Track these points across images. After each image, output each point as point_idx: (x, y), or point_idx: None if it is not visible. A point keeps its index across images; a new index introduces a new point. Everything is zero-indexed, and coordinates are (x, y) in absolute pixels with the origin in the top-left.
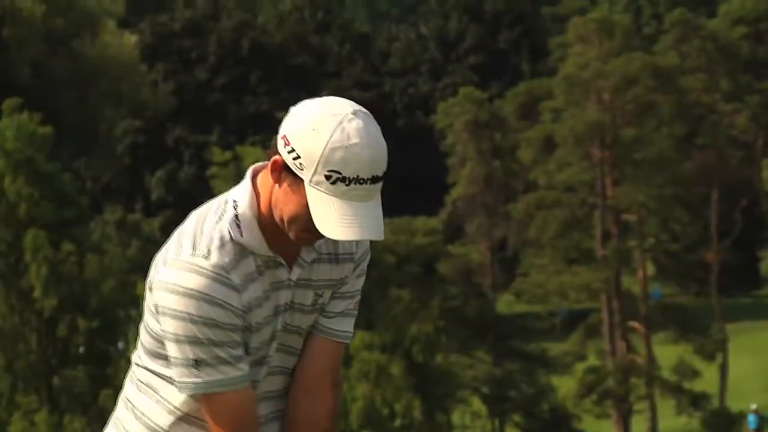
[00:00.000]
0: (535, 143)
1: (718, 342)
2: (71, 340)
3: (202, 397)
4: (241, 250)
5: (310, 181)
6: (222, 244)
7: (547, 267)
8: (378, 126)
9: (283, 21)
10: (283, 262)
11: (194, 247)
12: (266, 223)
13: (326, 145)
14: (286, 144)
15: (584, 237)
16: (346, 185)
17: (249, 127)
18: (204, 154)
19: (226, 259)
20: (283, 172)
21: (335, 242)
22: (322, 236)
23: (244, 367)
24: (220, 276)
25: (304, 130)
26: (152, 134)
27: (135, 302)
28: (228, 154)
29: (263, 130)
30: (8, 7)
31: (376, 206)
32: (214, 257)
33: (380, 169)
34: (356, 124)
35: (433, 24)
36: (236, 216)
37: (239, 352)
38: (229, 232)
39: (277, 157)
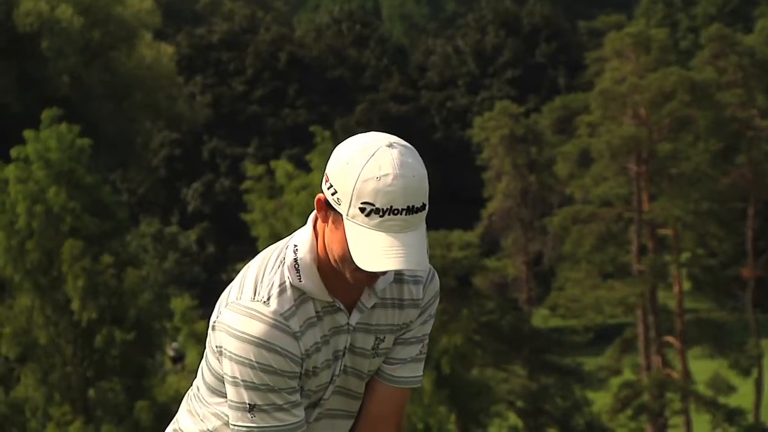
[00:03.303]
0: (571, 157)
1: (754, 357)
2: (107, 352)
3: None
4: (300, 295)
5: (347, 214)
6: (282, 290)
7: (582, 281)
8: (418, 157)
9: (320, 34)
10: (342, 307)
11: (255, 292)
12: (325, 267)
13: (358, 177)
14: (326, 181)
15: (620, 251)
16: (381, 216)
17: (286, 140)
18: (241, 166)
19: (286, 306)
20: (328, 210)
21: (400, 288)
22: (378, 275)
23: (299, 413)
24: (279, 323)
25: (340, 165)
26: (189, 146)
27: (171, 315)
28: (261, 169)
29: (300, 142)
30: (47, 18)
31: (416, 236)
32: (274, 303)
33: (416, 199)
34: (390, 155)
35: (470, 38)
36: (296, 261)
37: (296, 398)
38: (289, 278)
39: (320, 195)
